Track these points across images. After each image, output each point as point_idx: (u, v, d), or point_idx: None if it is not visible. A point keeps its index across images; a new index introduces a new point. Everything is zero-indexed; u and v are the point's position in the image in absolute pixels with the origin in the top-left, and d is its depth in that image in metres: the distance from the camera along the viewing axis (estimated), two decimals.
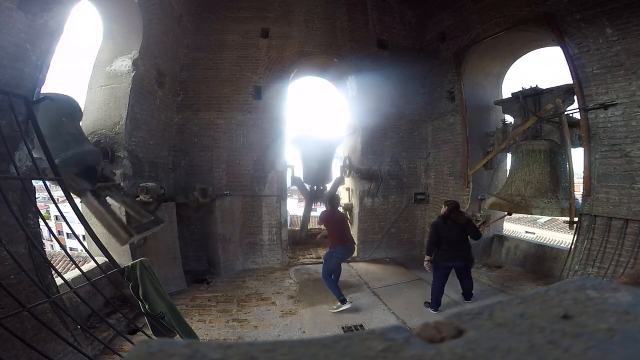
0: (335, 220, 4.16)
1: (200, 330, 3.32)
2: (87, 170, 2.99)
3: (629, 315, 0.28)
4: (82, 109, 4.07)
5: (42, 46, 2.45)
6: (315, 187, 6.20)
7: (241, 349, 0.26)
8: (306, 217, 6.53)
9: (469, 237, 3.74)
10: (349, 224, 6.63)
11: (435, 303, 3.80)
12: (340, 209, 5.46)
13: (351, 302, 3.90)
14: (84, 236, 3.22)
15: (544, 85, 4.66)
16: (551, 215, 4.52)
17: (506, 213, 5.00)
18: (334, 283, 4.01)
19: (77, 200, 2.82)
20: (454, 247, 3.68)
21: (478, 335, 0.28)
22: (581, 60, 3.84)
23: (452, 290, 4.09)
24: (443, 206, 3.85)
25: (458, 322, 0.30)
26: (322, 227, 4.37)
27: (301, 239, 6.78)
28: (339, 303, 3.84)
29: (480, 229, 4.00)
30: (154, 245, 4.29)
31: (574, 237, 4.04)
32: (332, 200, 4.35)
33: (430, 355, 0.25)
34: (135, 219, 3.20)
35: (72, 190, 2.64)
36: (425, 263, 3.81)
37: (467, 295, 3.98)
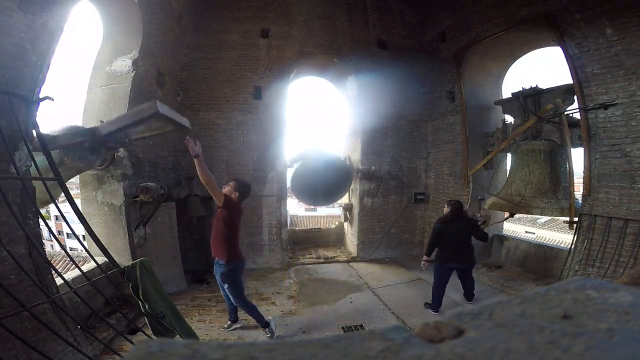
0: (239, 213, 3.13)
1: (200, 330, 3.32)
2: None
3: (629, 315, 0.28)
4: (83, 109, 4.09)
5: (42, 46, 2.45)
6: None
7: (241, 349, 0.26)
8: None
9: (474, 238, 3.72)
10: (350, 225, 6.63)
11: (436, 304, 3.78)
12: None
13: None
14: (84, 236, 3.22)
15: (544, 85, 4.65)
16: (551, 215, 4.52)
17: (507, 215, 5.00)
18: (255, 307, 3.31)
19: (77, 201, 2.82)
20: (459, 248, 3.64)
21: (478, 335, 0.28)
22: (581, 60, 3.84)
23: (453, 290, 4.09)
24: (445, 206, 3.80)
25: (458, 322, 0.30)
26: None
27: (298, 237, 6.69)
28: (231, 322, 3.42)
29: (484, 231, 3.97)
30: (154, 245, 4.30)
31: (574, 237, 4.04)
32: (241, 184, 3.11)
33: (430, 355, 0.25)
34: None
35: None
36: (422, 263, 3.83)
37: (469, 296, 3.98)
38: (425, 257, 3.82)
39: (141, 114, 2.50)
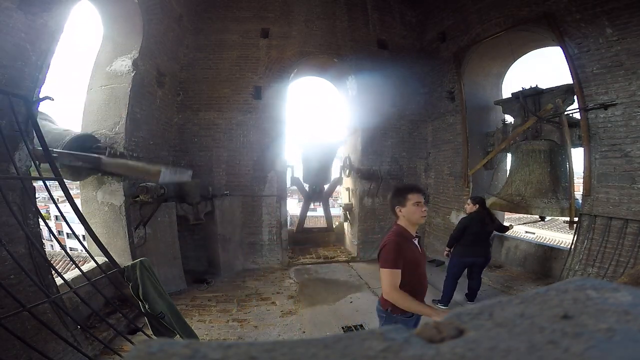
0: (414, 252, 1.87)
1: (200, 330, 3.32)
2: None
3: (629, 315, 0.28)
4: (83, 109, 4.10)
5: (42, 46, 2.45)
6: (314, 187, 6.28)
7: (241, 349, 0.26)
8: (302, 216, 6.68)
9: (495, 232, 3.91)
10: (351, 225, 6.64)
11: (447, 299, 3.85)
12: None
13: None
14: (84, 236, 3.23)
15: (544, 85, 4.66)
16: (551, 215, 4.52)
17: (539, 219, 4.64)
18: None
19: (77, 200, 2.83)
20: (480, 243, 3.75)
21: (478, 335, 0.28)
22: (581, 60, 3.84)
23: None
24: (469, 203, 3.90)
25: (458, 322, 0.30)
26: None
27: (298, 237, 6.90)
28: None
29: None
30: (154, 245, 4.30)
31: (574, 237, 4.04)
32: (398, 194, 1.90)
33: (430, 355, 0.25)
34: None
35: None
36: (445, 253, 3.99)
37: (472, 296, 3.97)
38: (447, 249, 3.97)
39: (146, 176, 3.34)
